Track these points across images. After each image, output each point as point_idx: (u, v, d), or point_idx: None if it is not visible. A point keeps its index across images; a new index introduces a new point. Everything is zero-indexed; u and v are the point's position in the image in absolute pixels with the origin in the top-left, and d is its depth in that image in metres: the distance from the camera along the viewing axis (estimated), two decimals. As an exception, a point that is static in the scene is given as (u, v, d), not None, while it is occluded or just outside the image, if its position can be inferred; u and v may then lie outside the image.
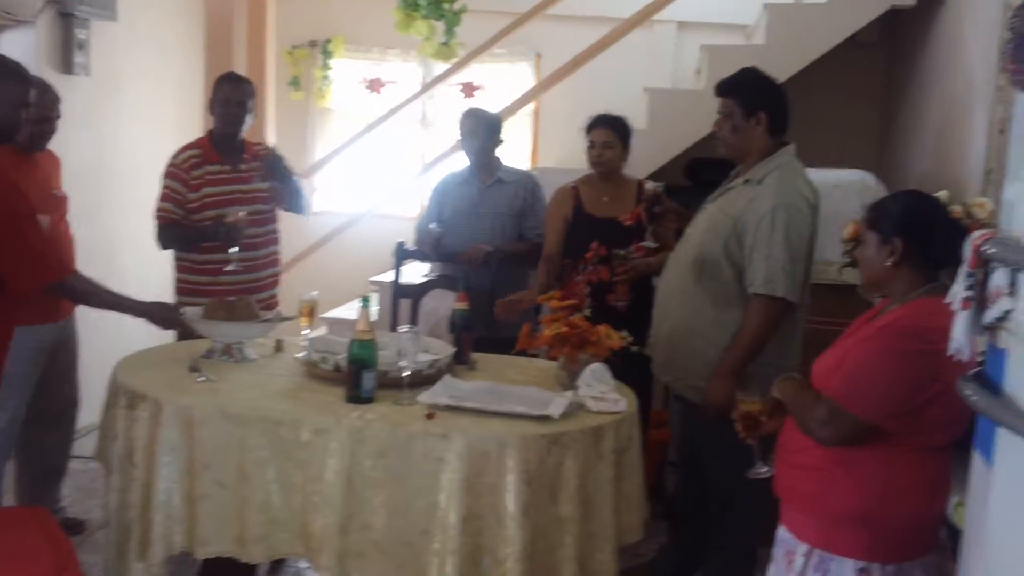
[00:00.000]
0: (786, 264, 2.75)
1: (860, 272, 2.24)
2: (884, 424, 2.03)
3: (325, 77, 6.45)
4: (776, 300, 2.77)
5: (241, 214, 3.48)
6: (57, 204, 3.38)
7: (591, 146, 3.70)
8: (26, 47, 4.32)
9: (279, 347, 3.09)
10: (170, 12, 5.50)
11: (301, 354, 2.88)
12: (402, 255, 3.92)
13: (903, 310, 2.08)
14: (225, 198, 3.56)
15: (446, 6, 4.79)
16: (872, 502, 2.06)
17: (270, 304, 3.64)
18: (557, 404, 2.50)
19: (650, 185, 3.17)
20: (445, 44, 5.00)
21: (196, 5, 5.62)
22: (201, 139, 3.69)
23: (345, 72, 6.49)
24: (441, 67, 5.70)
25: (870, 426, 2.03)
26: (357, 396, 2.54)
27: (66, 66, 4.50)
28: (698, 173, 4.36)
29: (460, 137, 4.03)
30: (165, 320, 2.99)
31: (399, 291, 3.85)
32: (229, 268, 3.48)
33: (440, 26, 4.93)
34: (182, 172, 3.57)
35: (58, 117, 3.34)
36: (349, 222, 5.73)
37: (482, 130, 3.96)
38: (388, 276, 5.11)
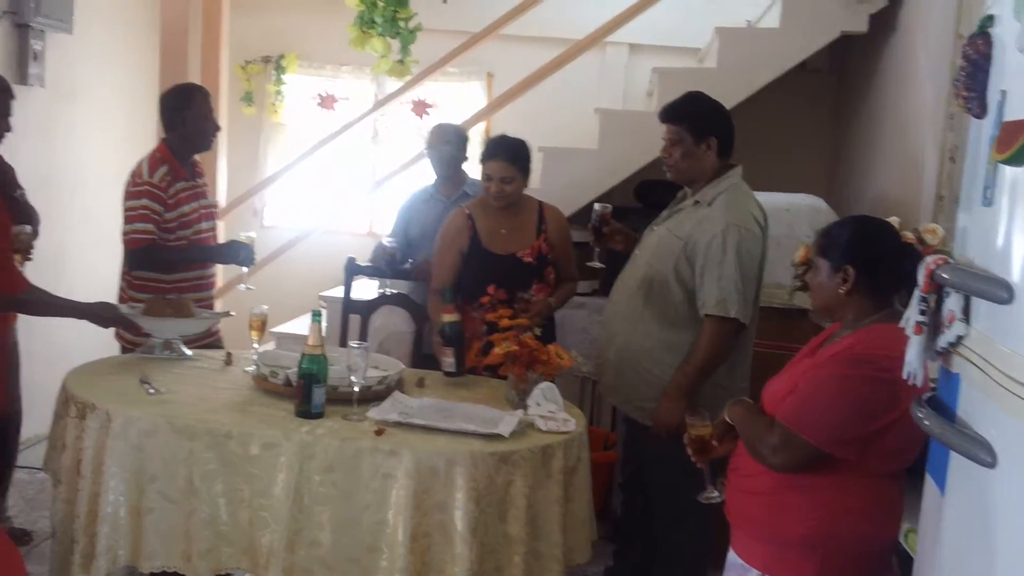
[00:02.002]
0: (738, 284, 2.78)
1: (812, 297, 2.26)
2: (836, 451, 2.03)
3: (278, 92, 6.45)
4: (728, 321, 2.80)
5: (252, 234, 3.49)
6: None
7: (487, 179, 3.34)
8: (-18, 57, 4.29)
9: (229, 360, 3.07)
10: (125, 25, 5.50)
11: (251, 368, 2.86)
12: (352, 271, 3.91)
13: (855, 337, 2.09)
14: (194, 216, 3.48)
15: (401, 24, 4.80)
16: (823, 527, 2.07)
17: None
18: (507, 423, 2.51)
19: (598, 206, 3.18)
20: (400, 62, 5.02)
21: (151, 18, 5.60)
22: (164, 153, 3.45)
23: (298, 88, 6.48)
24: (394, 84, 5.71)
25: (822, 453, 2.03)
26: (307, 411, 2.53)
27: (21, 76, 4.46)
28: (648, 194, 4.41)
29: (427, 148, 3.98)
30: (106, 319, 2.98)
31: (349, 307, 3.84)
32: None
33: (395, 44, 4.95)
34: (159, 191, 3.38)
35: (10, 115, 3.23)
36: (299, 237, 5.71)
37: (453, 138, 3.92)
38: (338, 292, 5.10)
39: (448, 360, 2.97)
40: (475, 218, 3.42)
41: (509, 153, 3.32)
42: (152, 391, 2.67)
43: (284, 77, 6.45)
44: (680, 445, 2.34)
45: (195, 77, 5.25)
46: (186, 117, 3.45)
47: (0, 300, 2.75)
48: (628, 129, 4.58)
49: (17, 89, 4.02)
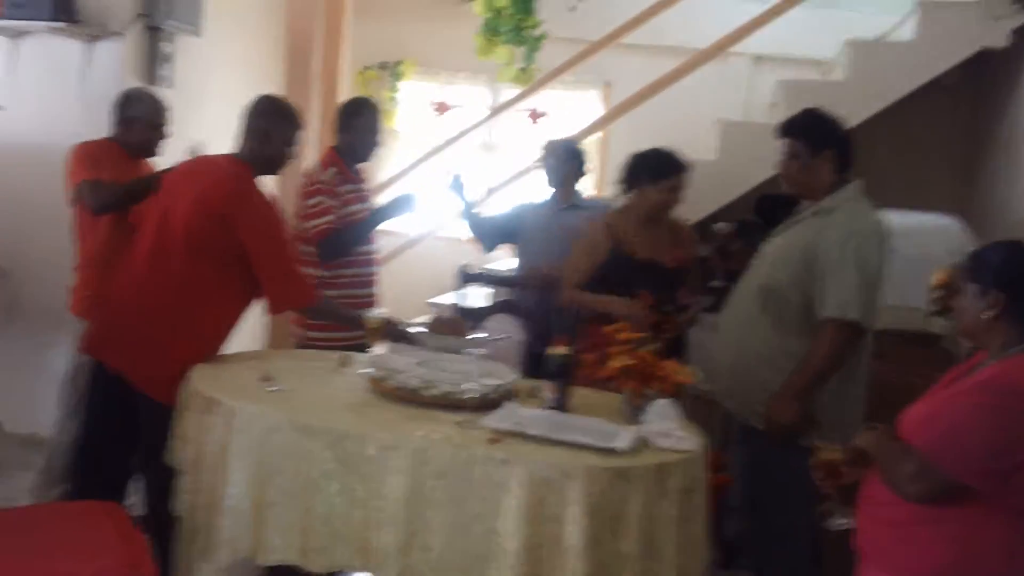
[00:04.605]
0: (859, 289, 2.76)
1: (956, 319, 2.19)
2: (975, 483, 1.95)
3: (392, 98, 6.53)
4: (848, 325, 2.77)
5: None
6: None
7: (667, 191, 3.43)
8: (114, 58, 4.50)
9: (344, 362, 3.10)
10: (252, 29, 5.64)
11: (366, 370, 2.89)
12: (466, 278, 3.92)
13: (1001, 366, 2.02)
14: (359, 217, 3.64)
15: (527, 32, 4.81)
16: (954, 563, 2.00)
17: None
18: (623, 438, 2.47)
19: (723, 226, 3.14)
20: (523, 70, 5.02)
21: (278, 24, 5.74)
22: (333, 156, 3.67)
23: (412, 94, 6.56)
24: (509, 92, 5.73)
25: (960, 484, 1.96)
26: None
27: (150, 78, 4.61)
28: (768, 209, 4.30)
29: (542, 161, 4.03)
30: (390, 335, 3.12)
31: (462, 315, 3.85)
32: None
33: (519, 51, 4.96)
34: (330, 187, 3.57)
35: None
36: (410, 243, 5.76)
37: (562, 152, 3.96)
38: (446, 298, 5.13)
39: (550, 396, 2.83)
40: (615, 228, 3.50)
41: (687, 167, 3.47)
42: (273, 388, 2.71)
43: (399, 83, 6.54)
44: (793, 459, 2.28)
45: (317, 82, 5.37)
46: (355, 126, 3.65)
47: (309, 310, 3.06)
48: (749, 141, 4.49)
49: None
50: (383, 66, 6.53)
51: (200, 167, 3.09)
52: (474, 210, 4.03)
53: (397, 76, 6.51)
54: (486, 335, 2.90)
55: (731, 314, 3.08)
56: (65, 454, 3.46)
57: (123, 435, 3.06)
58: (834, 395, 2.83)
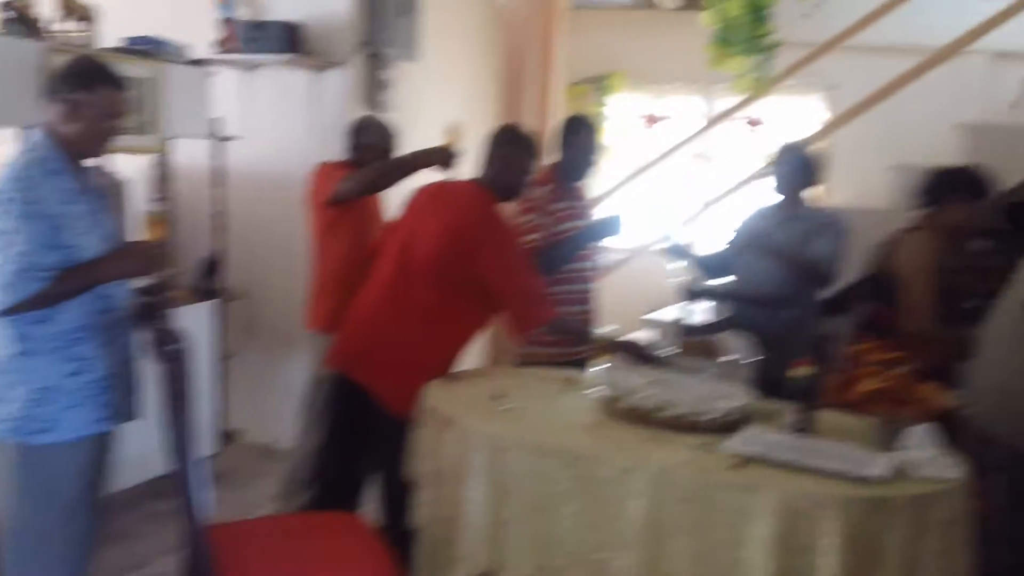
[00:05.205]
0: None
1: None
2: None
3: (601, 112, 6.51)
4: None
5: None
6: None
7: (970, 210, 3.35)
8: (339, 87, 4.74)
9: (573, 380, 3.08)
10: (466, 52, 5.77)
11: (596, 389, 2.84)
12: (691, 294, 3.81)
13: None
14: (570, 234, 3.63)
15: (760, 41, 4.66)
16: None
17: None
18: (879, 465, 2.30)
19: (981, 242, 2.90)
20: (759, 79, 4.86)
21: (492, 44, 5.85)
22: (548, 174, 3.68)
23: (621, 107, 6.52)
24: (723, 101, 5.58)
25: None
26: None
27: (372, 104, 4.81)
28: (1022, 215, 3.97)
29: (773, 167, 3.85)
30: (632, 354, 3.10)
31: (687, 332, 3.74)
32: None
33: (753, 61, 4.81)
34: (542, 205, 3.59)
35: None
36: (625, 258, 5.69)
37: (795, 161, 3.76)
38: (665, 314, 5.04)
39: (793, 419, 2.68)
40: (929, 245, 3.35)
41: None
42: (504, 407, 2.72)
43: (607, 97, 6.52)
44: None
45: (531, 100, 5.42)
46: (571, 143, 3.68)
47: (550, 325, 3.08)
48: (994, 144, 4.15)
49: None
50: (592, 80, 6.53)
51: (446, 193, 3.16)
52: (695, 256, 3.88)
53: (605, 90, 6.49)
54: (738, 357, 2.78)
55: (995, 333, 2.82)
56: (306, 465, 3.62)
57: (360, 447, 3.17)
58: None
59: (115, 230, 2.66)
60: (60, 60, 3.39)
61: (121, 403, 2.62)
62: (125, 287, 2.66)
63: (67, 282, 2.40)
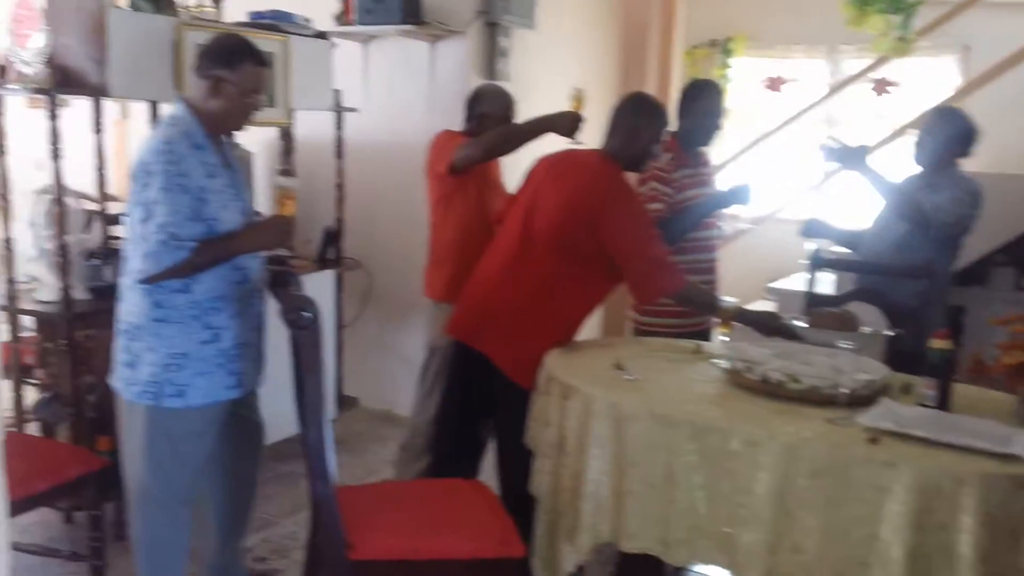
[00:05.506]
0: None
1: None
2: None
3: (723, 76, 6.36)
4: None
5: None
6: None
7: None
8: (457, 55, 4.74)
9: (697, 350, 3.03)
10: (585, 18, 5.69)
11: (722, 361, 2.79)
12: (818, 263, 3.69)
13: None
14: (693, 202, 3.57)
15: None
16: None
17: None
18: (1023, 442, 2.19)
19: None
20: (902, 39, 4.62)
21: (610, 10, 5.75)
22: (670, 142, 3.57)
23: (743, 71, 6.35)
24: (850, 64, 5.35)
25: None
26: None
27: (490, 73, 4.80)
28: None
29: (920, 133, 3.61)
30: (769, 328, 3.02)
31: (814, 302, 3.62)
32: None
33: (894, 19, 4.58)
34: (665, 174, 3.53)
35: None
36: (749, 227, 5.55)
37: (937, 127, 3.52)
38: (789, 284, 4.91)
39: (930, 394, 2.55)
40: None
41: None
42: (629, 377, 2.69)
43: (729, 60, 6.36)
44: None
45: (652, 66, 5.32)
46: (694, 109, 3.59)
47: (675, 294, 3.02)
48: None
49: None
50: (712, 43, 6.38)
51: (570, 164, 3.11)
52: (831, 228, 3.72)
53: (728, 53, 6.33)
54: (872, 331, 2.66)
55: None
56: (424, 431, 3.67)
57: (479, 414, 3.20)
58: None
59: (250, 203, 2.73)
60: (191, 35, 3.49)
61: (249, 371, 2.71)
62: (258, 259, 2.74)
63: (207, 254, 2.48)
